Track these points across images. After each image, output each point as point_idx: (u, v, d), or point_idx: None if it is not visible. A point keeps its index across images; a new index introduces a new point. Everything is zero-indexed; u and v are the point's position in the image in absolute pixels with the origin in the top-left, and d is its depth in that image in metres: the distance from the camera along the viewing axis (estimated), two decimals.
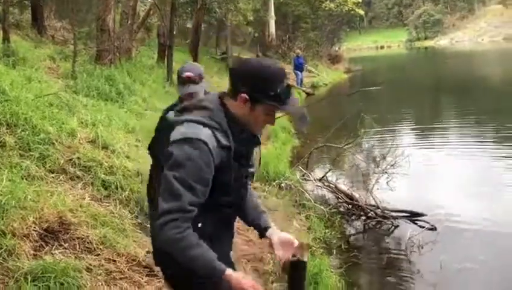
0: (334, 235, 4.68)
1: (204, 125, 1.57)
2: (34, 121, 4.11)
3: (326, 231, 4.68)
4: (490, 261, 4.13)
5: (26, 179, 3.46)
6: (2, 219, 2.76)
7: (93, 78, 7.36)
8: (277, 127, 9.51)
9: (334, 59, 29.58)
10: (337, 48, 33.21)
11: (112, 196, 3.96)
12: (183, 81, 2.66)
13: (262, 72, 1.59)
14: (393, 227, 4.86)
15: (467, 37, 67.99)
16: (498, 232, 4.65)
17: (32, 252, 2.73)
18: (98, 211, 3.53)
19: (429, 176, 6.65)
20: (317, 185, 5.86)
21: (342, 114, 8.39)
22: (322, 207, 5.17)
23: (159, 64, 11.83)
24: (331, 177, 6.06)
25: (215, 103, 1.64)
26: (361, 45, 71.49)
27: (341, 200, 5.39)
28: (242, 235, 4.33)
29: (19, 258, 2.60)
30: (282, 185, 5.69)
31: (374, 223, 5.01)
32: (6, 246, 2.62)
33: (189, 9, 18.61)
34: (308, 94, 17.84)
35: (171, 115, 2.31)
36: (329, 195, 5.76)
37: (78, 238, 3.05)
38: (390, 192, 5.58)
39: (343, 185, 5.79)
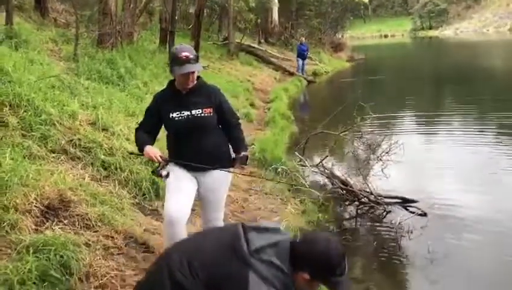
0: (327, 219, 4.82)
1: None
2: (36, 102, 4.21)
3: (320, 215, 4.80)
4: (477, 246, 4.26)
5: (28, 158, 3.57)
6: (5, 195, 2.88)
7: (94, 62, 7.44)
8: (276, 113, 9.62)
9: (337, 47, 29.50)
10: (340, 36, 33.08)
11: (111, 176, 4.08)
12: (182, 61, 2.70)
13: (327, 261, 1.76)
14: (385, 213, 4.98)
15: (472, 27, 67.40)
16: (487, 218, 4.77)
17: (33, 227, 2.86)
18: (97, 191, 3.65)
19: (425, 163, 6.75)
20: (313, 171, 5.98)
21: (342, 102, 8.45)
22: (317, 192, 5.29)
23: (160, 49, 11.86)
24: (328, 163, 6.16)
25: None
26: (365, 34, 71.07)
27: (335, 186, 5.51)
28: (238, 217, 4.48)
29: (20, 232, 2.73)
30: (279, 170, 5.80)
31: (366, 208, 5.13)
32: (9, 220, 2.74)
33: None
34: (309, 82, 17.90)
35: None
36: (324, 181, 5.88)
37: (77, 215, 3.18)
38: (385, 179, 5.68)
39: (338, 171, 5.91)
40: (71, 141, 4.17)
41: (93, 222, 3.17)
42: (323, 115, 7.98)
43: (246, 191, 5.21)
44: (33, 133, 3.90)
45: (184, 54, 2.70)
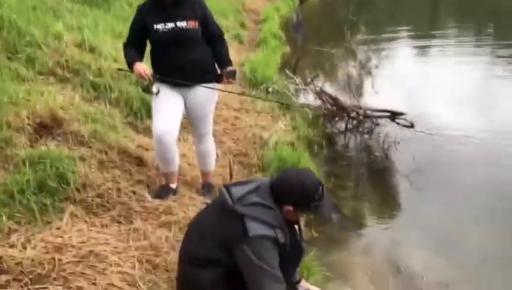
0: (317, 134, 4.94)
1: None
2: (19, 23, 4.13)
3: (309, 129, 4.91)
4: (460, 157, 4.44)
5: (16, 80, 3.57)
6: None
7: None
8: (268, 34, 9.43)
9: None
10: None
11: (102, 97, 4.09)
12: None
13: (303, 189, 1.91)
14: (373, 125, 5.09)
15: None
16: (473, 132, 4.90)
17: (28, 143, 2.94)
18: (88, 110, 3.69)
19: (416, 78, 6.78)
20: (303, 89, 6.01)
21: (336, 20, 8.26)
22: (307, 109, 5.36)
23: None
24: (319, 82, 6.18)
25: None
26: None
27: (326, 102, 5.57)
28: (229, 134, 4.59)
29: (15, 148, 2.81)
30: (270, 89, 5.82)
31: (355, 122, 5.23)
32: (4, 137, 2.82)
33: None
34: (301, 1, 17.35)
35: None
36: (315, 98, 5.93)
37: (70, 132, 3.24)
38: (375, 94, 5.72)
39: (329, 88, 5.95)
40: (58, 62, 4.14)
41: (86, 139, 3.24)
42: (316, 34, 7.85)
43: (237, 110, 5.26)
44: (18, 56, 3.87)
45: None
